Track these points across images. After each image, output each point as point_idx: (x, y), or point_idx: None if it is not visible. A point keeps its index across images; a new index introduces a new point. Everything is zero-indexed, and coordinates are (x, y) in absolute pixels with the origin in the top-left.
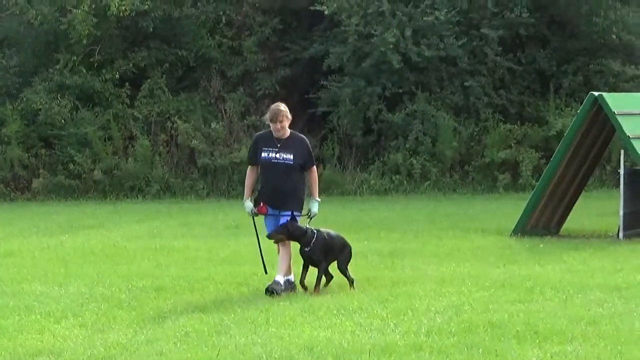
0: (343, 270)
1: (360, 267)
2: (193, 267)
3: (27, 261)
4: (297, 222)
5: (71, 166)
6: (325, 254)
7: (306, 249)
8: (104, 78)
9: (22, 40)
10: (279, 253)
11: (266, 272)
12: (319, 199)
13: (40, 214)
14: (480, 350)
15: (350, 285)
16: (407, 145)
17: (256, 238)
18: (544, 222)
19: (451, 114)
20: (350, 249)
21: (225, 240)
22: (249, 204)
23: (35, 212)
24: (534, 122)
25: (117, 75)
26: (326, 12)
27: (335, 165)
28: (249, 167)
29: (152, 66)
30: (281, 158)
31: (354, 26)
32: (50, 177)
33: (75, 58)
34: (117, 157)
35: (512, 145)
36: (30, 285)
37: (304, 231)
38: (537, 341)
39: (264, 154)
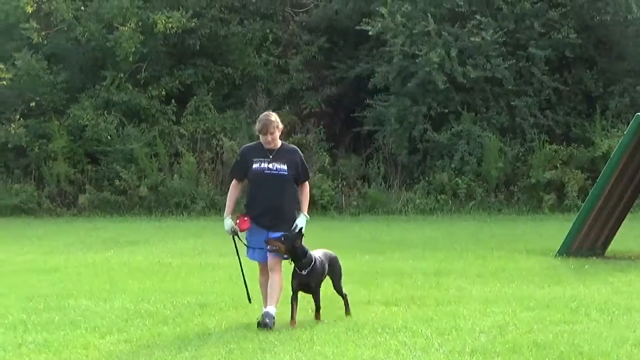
0: (337, 287)
1: (405, 286)
2: (237, 284)
3: (73, 276)
4: (302, 241)
5: (117, 182)
6: (321, 278)
7: (303, 272)
8: (150, 95)
9: (70, 56)
10: (261, 280)
11: (250, 301)
12: (308, 216)
13: (85, 229)
14: None
15: (345, 303)
16: (453, 165)
17: (238, 262)
18: (590, 243)
19: (497, 134)
20: (340, 265)
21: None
22: (228, 222)
23: (81, 228)
24: (580, 143)
25: (163, 92)
26: (371, 33)
27: (381, 184)
28: (233, 182)
29: (198, 83)
30: (274, 169)
31: (399, 46)
32: (96, 193)
33: (122, 75)
34: (162, 174)
35: (558, 165)
36: (76, 301)
37: (306, 252)
38: None
39: (255, 165)
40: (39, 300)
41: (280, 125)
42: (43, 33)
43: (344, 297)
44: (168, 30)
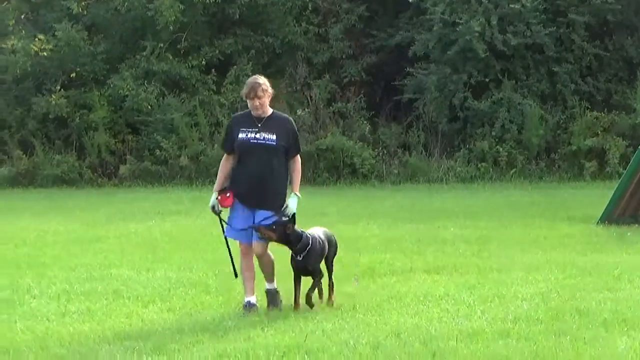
0: (329, 267)
1: (447, 254)
2: (280, 253)
3: (115, 247)
4: (295, 224)
5: (157, 152)
6: (319, 260)
7: (299, 257)
8: (190, 65)
9: (110, 27)
10: (242, 264)
11: (236, 276)
12: (299, 195)
13: (127, 199)
14: (568, 337)
15: (330, 288)
16: (493, 133)
17: (224, 238)
18: (631, 210)
19: (537, 101)
20: (336, 244)
21: (311, 226)
22: (213, 198)
23: (122, 198)
24: (621, 109)
25: (203, 62)
26: (411, 0)
27: (421, 153)
28: (224, 156)
29: (238, 53)
30: (262, 138)
31: (439, 14)
32: (136, 163)
33: (161, 45)
34: (203, 143)
35: (599, 133)
36: (118, 270)
37: (300, 236)
38: (625, 329)
39: (241, 135)
40: (81, 270)
41: (270, 91)
42: (83, 3)
43: (331, 280)
44: (208, 0)
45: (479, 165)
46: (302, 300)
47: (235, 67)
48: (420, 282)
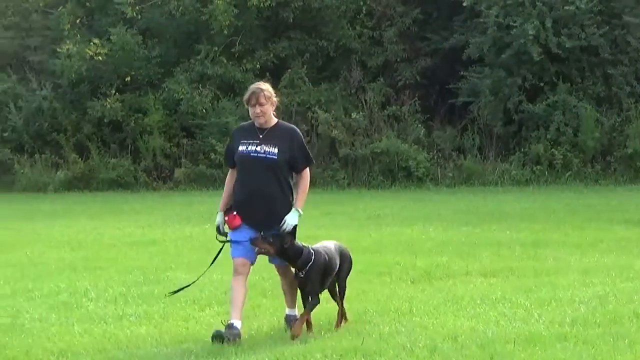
0: (341, 286)
1: (503, 257)
2: None
3: (171, 249)
4: (296, 238)
5: (212, 155)
6: (323, 279)
7: (300, 274)
8: (244, 68)
9: (164, 31)
10: (233, 284)
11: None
12: (301, 211)
13: (182, 203)
14: (626, 341)
15: (339, 314)
16: (549, 136)
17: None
18: None
19: (593, 104)
20: (351, 260)
21: (366, 230)
22: (218, 218)
23: (177, 201)
24: None
25: (257, 66)
26: (465, 4)
27: (476, 156)
28: (229, 171)
29: (293, 56)
30: (262, 152)
31: (493, 17)
32: (191, 167)
33: (216, 48)
34: None
35: None
36: (174, 273)
37: (300, 251)
38: None
39: (241, 147)
40: (137, 273)
41: (274, 99)
42: (137, 7)
43: (341, 306)
44: (262, 4)
45: (534, 168)
46: (296, 325)
47: (289, 70)
48: (476, 285)
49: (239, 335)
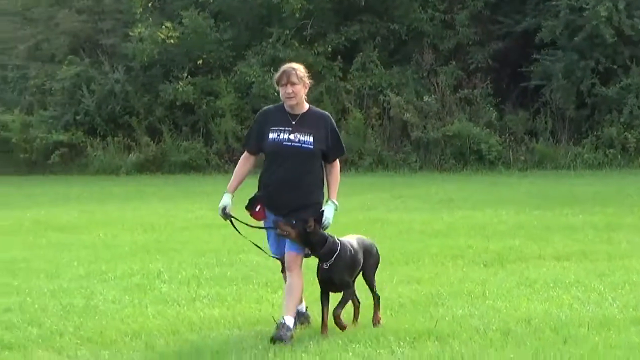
0: (370, 282)
1: (576, 240)
2: (407, 239)
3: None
4: (321, 225)
5: None
6: (350, 271)
7: (325, 265)
8: (316, 51)
9: (236, 14)
10: (284, 277)
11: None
12: (336, 203)
13: (254, 185)
14: None
15: (375, 305)
16: (622, 119)
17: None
18: None
19: None
20: (378, 256)
21: (438, 213)
22: (225, 198)
23: (249, 184)
24: None
25: (329, 49)
26: None
27: (548, 139)
28: (244, 154)
29: (364, 40)
30: (297, 141)
31: (565, 0)
32: None
33: (287, 32)
34: None
35: None
36: (247, 256)
37: (325, 239)
38: None
39: (272, 135)
40: (210, 256)
41: (307, 81)
42: None
43: (375, 295)
44: None
45: (607, 151)
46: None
47: (361, 54)
48: (549, 268)
49: (290, 329)
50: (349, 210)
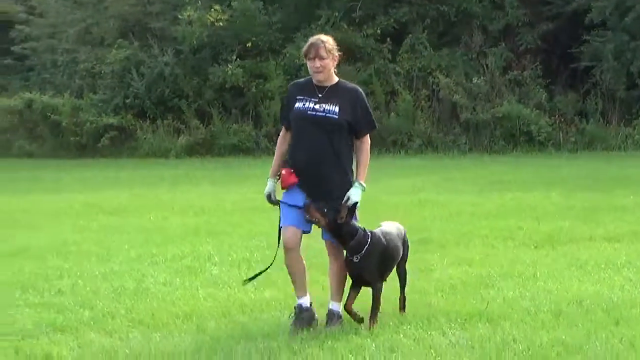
0: (402, 276)
1: (628, 222)
2: (457, 221)
3: None
4: (355, 216)
5: None
6: (383, 266)
7: (354, 259)
8: (365, 34)
9: None
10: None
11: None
12: (364, 185)
13: None
14: None
15: (401, 294)
16: None
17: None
18: None
19: None
20: (409, 245)
21: (488, 195)
22: (269, 185)
23: None
24: None
25: (378, 31)
26: None
27: (599, 120)
28: (282, 132)
29: (413, 21)
30: (321, 110)
31: None
32: None
33: (336, 14)
34: (379, 112)
35: None
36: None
37: (355, 230)
38: None
39: (297, 104)
40: (260, 238)
41: (336, 54)
42: None
43: (403, 294)
44: None
45: None
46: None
47: (410, 35)
48: (600, 250)
49: (312, 316)
50: (399, 192)
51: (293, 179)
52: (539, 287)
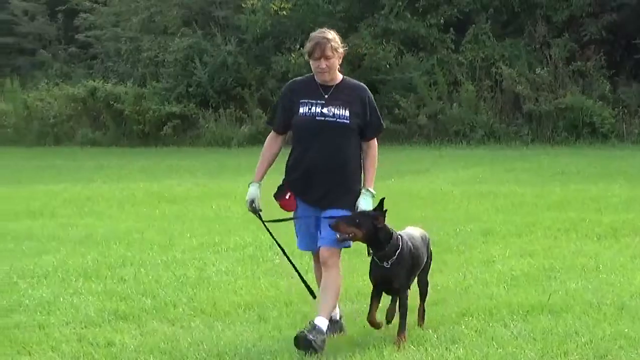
0: (424, 282)
1: None
2: (520, 212)
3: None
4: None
5: (396, 111)
6: (410, 273)
7: (385, 264)
8: (428, 23)
9: None
10: (316, 273)
11: (314, 297)
12: (373, 192)
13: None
14: None
15: (421, 305)
16: None
17: (280, 250)
18: None
19: None
20: (431, 251)
21: (551, 187)
22: (252, 190)
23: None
24: None
25: (441, 21)
26: None
27: None
28: (270, 134)
29: (477, 11)
30: (331, 114)
31: None
32: None
33: (400, 3)
34: (441, 102)
35: None
36: None
37: (390, 235)
38: None
39: (302, 109)
40: None
41: (341, 50)
42: None
43: (425, 292)
44: None
45: None
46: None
47: (473, 25)
48: None
49: (322, 333)
50: (461, 182)
51: (293, 204)
52: (602, 279)
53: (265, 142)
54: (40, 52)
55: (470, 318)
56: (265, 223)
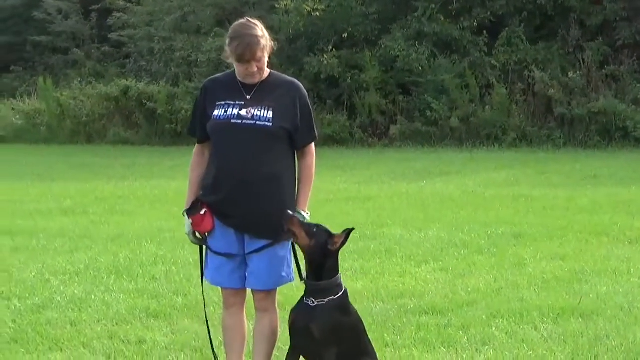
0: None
1: None
2: (551, 215)
3: (386, 206)
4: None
5: (428, 113)
6: (337, 339)
7: (310, 302)
8: (461, 26)
9: None
10: (224, 323)
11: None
12: (307, 213)
13: (397, 159)
14: None
15: None
16: None
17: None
18: None
19: None
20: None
21: (583, 190)
22: (188, 223)
23: (392, 158)
24: None
25: (475, 24)
26: None
27: None
28: (196, 147)
29: (511, 15)
30: (249, 117)
31: None
32: (407, 124)
33: (433, 6)
34: (473, 105)
35: None
36: (390, 230)
37: (337, 271)
38: None
39: (216, 112)
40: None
41: (270, 43)
42: None
43: None
44: None
45: None
46: None
47: (507, 29)
48: None
49: None
50: (493, 185)
51: (209, 224)
52: (633, 283)
53: (191, 160)
54: (74, 51)
55: (500, 320)
56: (202, 253)
